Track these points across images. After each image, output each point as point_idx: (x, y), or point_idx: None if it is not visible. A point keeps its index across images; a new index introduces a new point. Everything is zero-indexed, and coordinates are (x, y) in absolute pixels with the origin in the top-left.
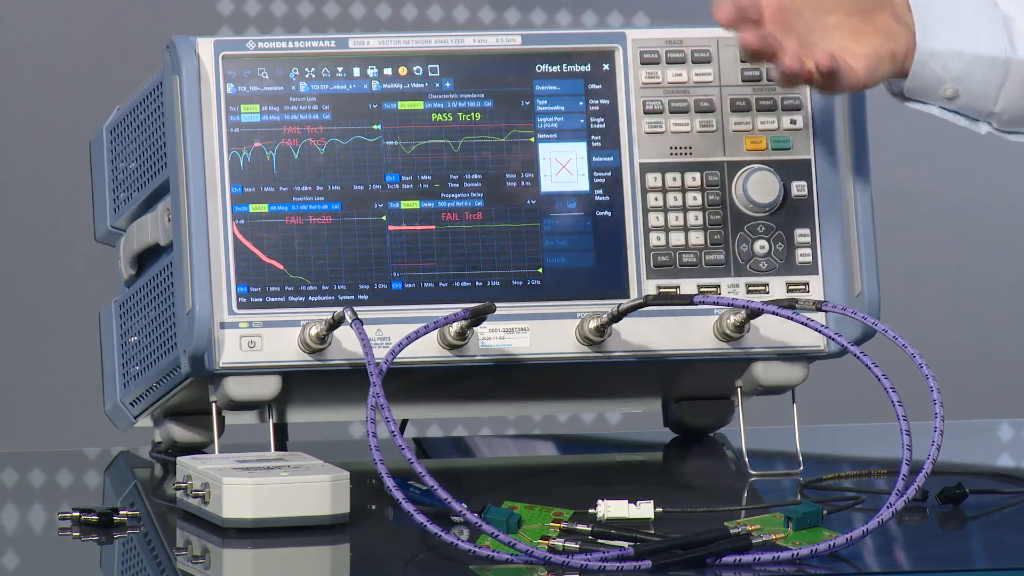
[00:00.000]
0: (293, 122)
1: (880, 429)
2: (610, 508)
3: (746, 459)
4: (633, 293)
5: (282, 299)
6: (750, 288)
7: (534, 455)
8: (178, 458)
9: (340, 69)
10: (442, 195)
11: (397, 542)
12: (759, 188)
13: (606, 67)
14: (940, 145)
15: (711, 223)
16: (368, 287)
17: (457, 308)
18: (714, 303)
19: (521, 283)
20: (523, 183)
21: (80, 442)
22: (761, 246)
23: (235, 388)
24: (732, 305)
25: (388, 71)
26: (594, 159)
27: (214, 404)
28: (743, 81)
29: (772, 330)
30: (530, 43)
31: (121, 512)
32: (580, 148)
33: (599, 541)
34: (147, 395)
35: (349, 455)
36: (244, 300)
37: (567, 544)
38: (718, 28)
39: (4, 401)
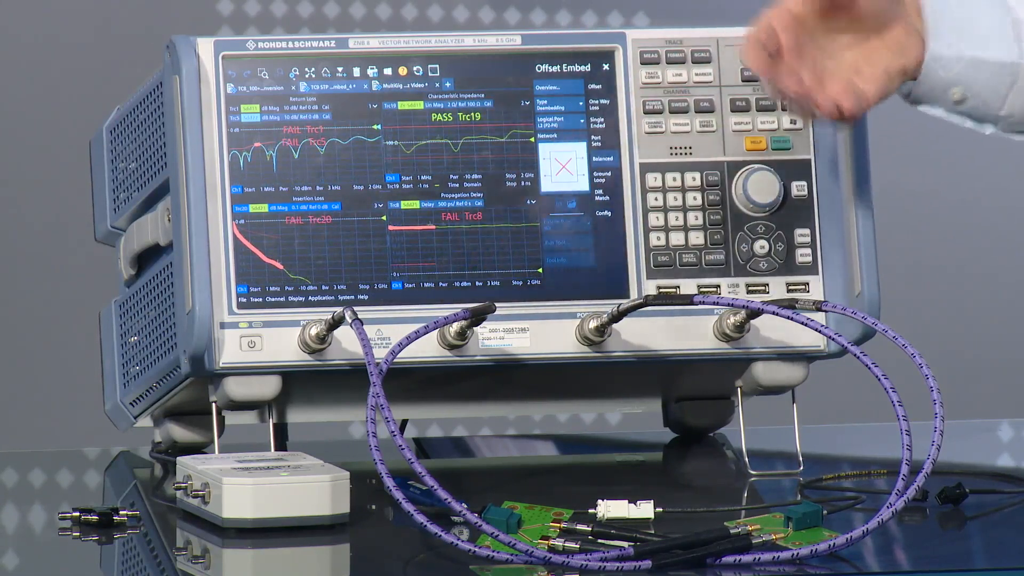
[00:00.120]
0: (293, 122)
1: (880, 429)
2: (610, 508)
3: (746, 459)
4: (633, 293)
5: (282, 299)
6: (750, 288)
7: (534, 455)
8: (178, 458)
9: (340, 69)
10: (442, 195)
11: (397, 542)
12: (759, 188)
13: (606, 67)
14: (940, 145)
15: (711, 223)
16: (368, 287)
17: (457, 308)
18: (714, 303)
19: (521, 283)
20: (523, 183)
21: (80, 442)
22: (761, 246)
23: (235, 388)
24: (732, 305)
25: (388, 71)
26: (594, 159)
27: (214, 404)
28: (743, 81)
29: (772, 330)
30: (530, 43)
31: (121, 512)
32: (580, 148)
33: (599, 541)
34: (147, 395)
35: (349, 455)
36: (244, 300)
37: (567, 544)
38: (718, 28)
39: (4, 401)
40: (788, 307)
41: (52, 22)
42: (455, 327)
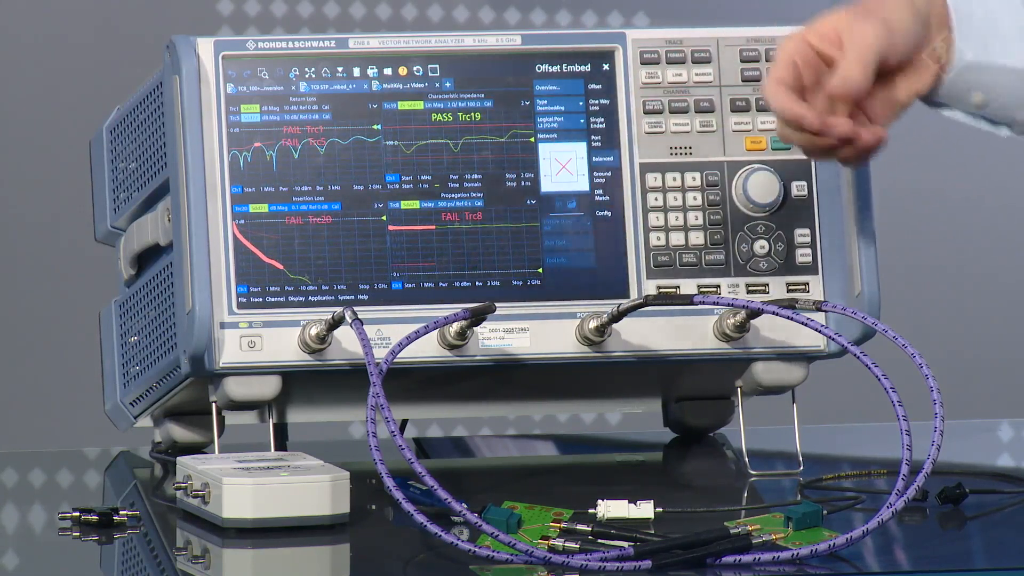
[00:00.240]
0: (293, 122)
1: (880, 429)
2: (610, 508)
3: (746, 459)
4: (633, 293)
5: (282, 299)
6: (750, 288)
7: (534, 455)
8: (178, 458)
9: (340, 69)
10: (442, 195)
11: (397, 542)
12: (759, 188)
13: (606, 67)
14: (940, 145)
15: (711, 223)
16: (368, 287)
17: (457, 308)
18: (714, 303)
19: (521, 283)
20: (523, 183)
21: (80, 442)
22: (761, 246)
23: (235, 388)
24: (732, 305)
25: (388, 71)
26: (594, 159)
27: (214, 404)
28: (743, 81)
29: (772, 330)
30: (530, 43)
31: (121, 512)
32: (580, 148)
33: (599, 541)
34: (147, 395)
35: (349, 455)
36: (244, 300)
37: (567, 544)
38: (718, 28)
39: (4, 401)
40: (788, 307)
41: (52, 22)
42: (455, 327)
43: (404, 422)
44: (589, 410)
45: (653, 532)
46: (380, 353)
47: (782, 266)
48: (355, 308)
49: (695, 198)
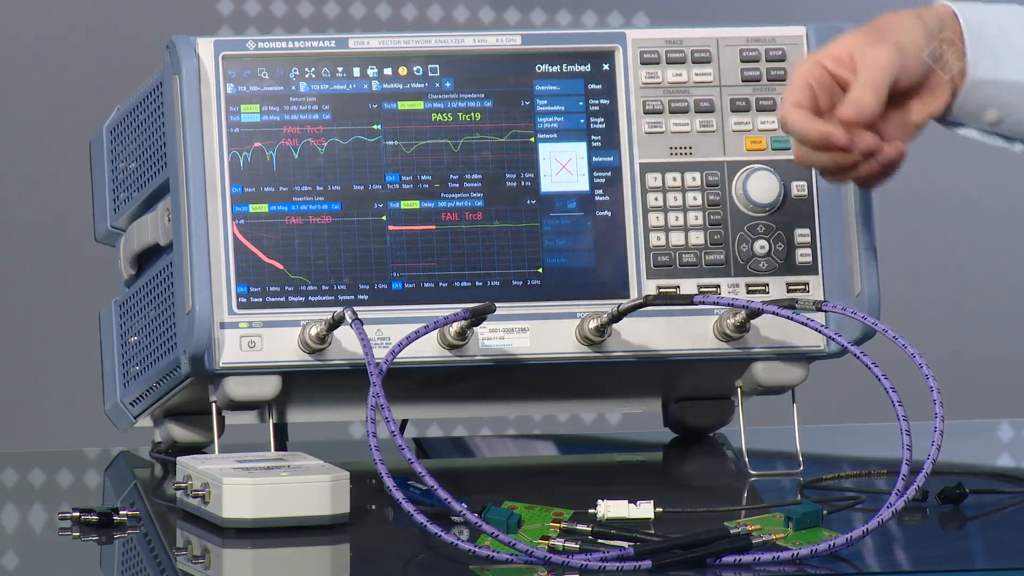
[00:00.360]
0: (293, 122)
1: (880, 429)
2: (610, 508)
3: (746, 459)
4: (633, 293)
5: (282, 299)
6: (750, 288)
7: (534, 455)
8: (178, 458)
9: (340, 69)
10: (442, 195)
11: (397, 542)
12: (759, 188)
13: (606, 67)
14: (940, 145)
15: (711, 223)
16: (368, 287)
17: (457, 308)
18: (714, 303)
19: (521, 283)
20: (523, 183)
21: (80, 442)
22: (761, 246)
23: (235, 388)
24: (732, 305)
25: (388, 71)
26: (594, 159)
27: (214, 404)
28: (743, 81)
29: (772, 330)
30: (530, 43)
31: (121, 512)
32: (580, 148)
33: (599, 541)
34: (147, 395)
35: (349, 455)
36: (244, 300)
37: (567, 544)
38: (718, 28)
39: (4, 401)
40: (788, 307)
41: (52, 22)
42: (455, 327)
43: (404, 422)
44: (589, 410)
45: (653, 532)
46: (380, 353)
47: (782, 266)
48: (355, 308)
49: (695, 198)
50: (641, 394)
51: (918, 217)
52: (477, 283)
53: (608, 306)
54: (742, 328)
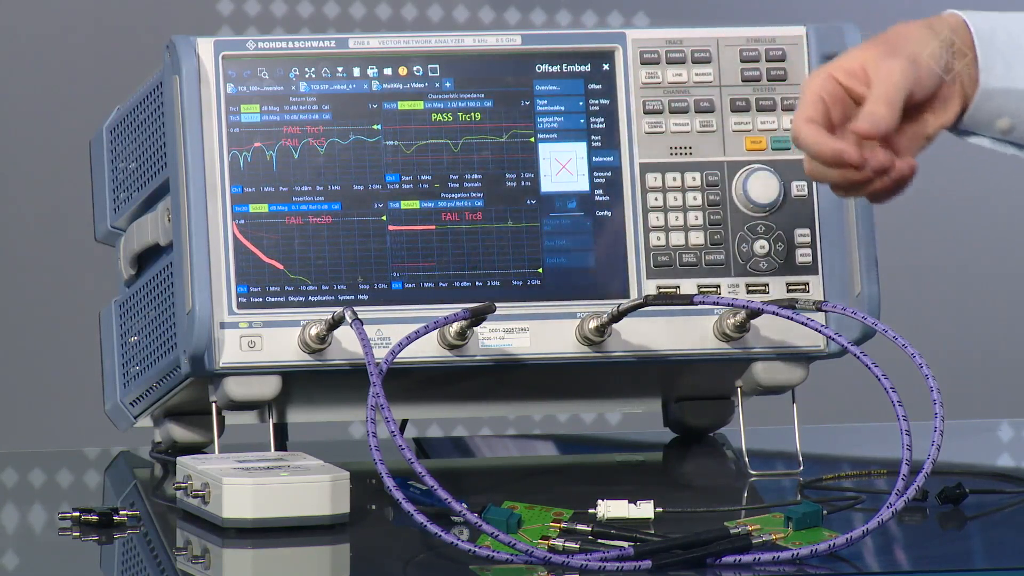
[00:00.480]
0: (293, 122)
1: (880, 429)
2: (610, 508)
3: (746, 459)
4: (633, 293)
5: (282, 299)
6: (750, 288)
7: (534, 455)
8: (178, 458)
9: (340, 69)
10: (442, 195)
11: (397, 542)
12: (759, 188)
13: (606, 67)
14: (940, 145)
15: (711, 223)
16: (368, 287)
17: (457, 308)
18: (714, 303)
19: (521, 283)
20: (523, 183)
21: (80, 442)
22: (761, 246)
23: (235, 388)
24: (732, 305)
25: (388, 71)
26: (594, 159)
27: (214, 404)
28: (743, 81)
29: (772, 330)
30: (530, 43)
31: (121, 512)
32: (580, 148)
33: (599, 541)
34: (147, 395)
35: (349, 455)
36: (244, 300)
37: (567, 544)
38: (718, 28)
39: (4, 401)
40: (788, 307)
41: (52, 22)
42: (455, 327)
43: (404, 422)
44: (589, 410)
45: (653, 532)
46: (380, 353)
47: (782, 266)
48: (355, 308)
49: (695, 198)
50: (641, 394)
51: (918, 217)
52: (477, 283)
53: (608, 306)
54: (742, 328)
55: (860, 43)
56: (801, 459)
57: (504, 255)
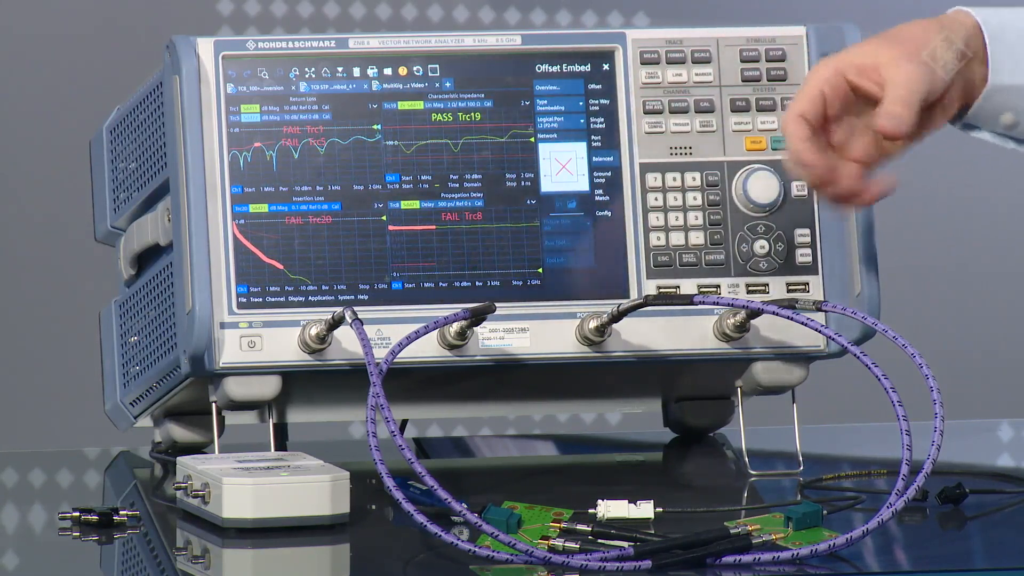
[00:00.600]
0: (293, 122)
1: (880, 429)
2: (610, 508)
3: (746, 459)
4: (633, 293)
5: (282, 299)
6: (750, 288)
7: (534, 455)
8: (178, 458)
9: (340, 69)
10: (442, 195)
11: (397, 542)
12: (759, 188)
13: (606, 67)
14: (940, 145)
15: (711, 223)
16: (368, 287)
17: (457, 308)
18: (714, 303)
19: (521, 283)
20: (523, 183)
21: (80, 442)
22: (761, 246)
23: (235, 388)
24: (732, 305)
25: (388, 71)
26: (594, 159)
27: (214, 404)
28: (743, 81)
29: (772, 330)
30: (530, 43)
31: (121, 512)
32: (580, 148)
33: (599, 541)
34: (147, 395)
35: (349, 455)
36: (244, 300)
37: (567, 544)
38: (718, 28)
39: (4, 401)
40: (788, 307)
41: (52, 22)
42: (455, 327)
43: (404, 422)
44: (589, 410)
45: (653, 532)
46: (380, 353)
47: (782, 266)
48: (355, 308)
49: (695, 198)
50: (641, 394)
51: (918, 217)
52: (477, 283)
53: (608, 306)
54: (742, 328)
55: (866, 39)
56: (801, 459)
57: (504, 255)
